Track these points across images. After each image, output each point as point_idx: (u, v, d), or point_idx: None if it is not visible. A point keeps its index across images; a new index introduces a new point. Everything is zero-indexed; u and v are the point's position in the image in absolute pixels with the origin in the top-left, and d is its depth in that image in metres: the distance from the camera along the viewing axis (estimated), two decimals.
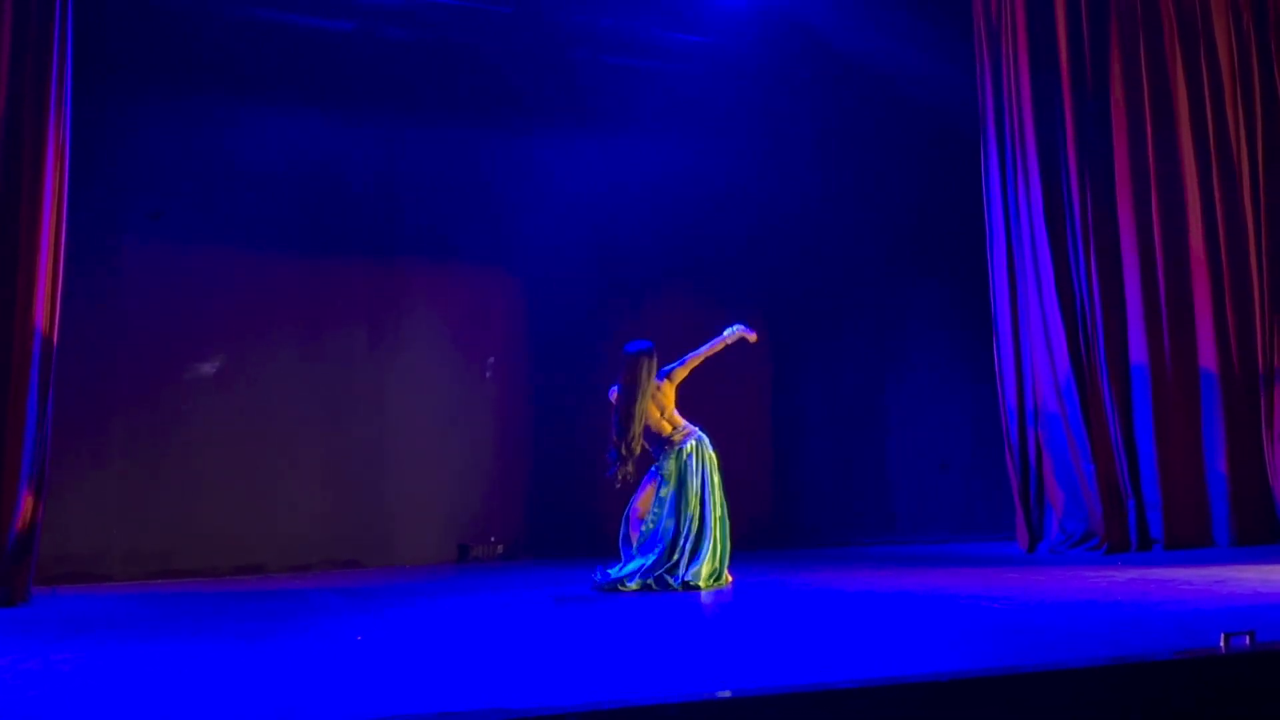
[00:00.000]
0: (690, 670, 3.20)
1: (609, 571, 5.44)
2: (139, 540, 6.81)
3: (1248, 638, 2.84)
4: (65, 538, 6.37)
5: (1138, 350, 7.14)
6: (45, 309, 5.31)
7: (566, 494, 7.80)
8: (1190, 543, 6.92)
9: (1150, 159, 7.25)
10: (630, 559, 5.47)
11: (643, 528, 5.50)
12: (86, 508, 6.66)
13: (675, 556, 5.39)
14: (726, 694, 2.49)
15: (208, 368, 7.14)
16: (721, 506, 5.58)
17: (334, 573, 7.01)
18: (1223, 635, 2.86)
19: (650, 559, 5.39)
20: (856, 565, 6.59)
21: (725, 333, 5.78)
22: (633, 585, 5.35)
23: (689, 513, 5.45)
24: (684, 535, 5.43)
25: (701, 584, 5.35)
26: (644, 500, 5.55)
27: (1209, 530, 7.04)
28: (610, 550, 5.69)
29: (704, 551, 5.42)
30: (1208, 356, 7.18)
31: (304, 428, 7.33)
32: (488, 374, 7.95)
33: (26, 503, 5.17)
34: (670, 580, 5.34)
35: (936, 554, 7.33)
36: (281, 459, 7.25)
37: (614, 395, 5.64)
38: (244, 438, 7.14)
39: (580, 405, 7.89)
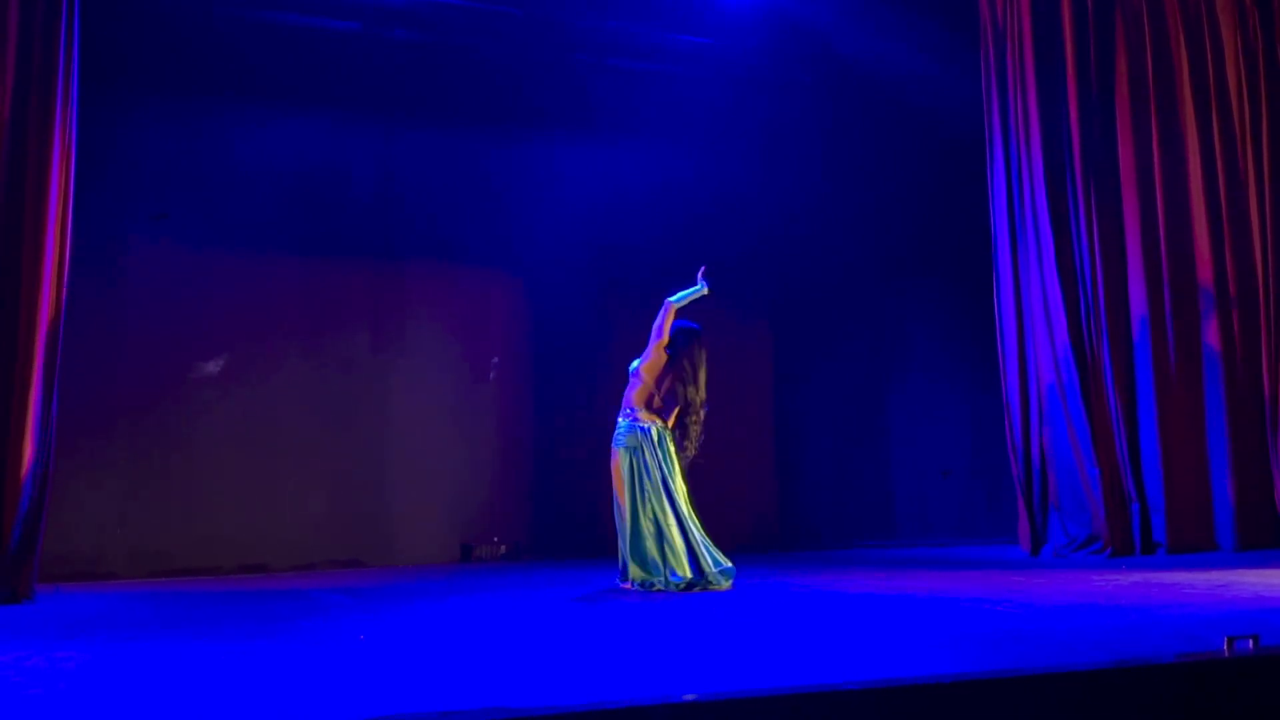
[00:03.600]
0: (693, 670, 3.20)
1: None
2: (142, 539, 6.82)
3: (1251, 642, 2.84)
4: (69, 536, 6.38)
5: (1143, 353, 7.13)
6: (50, 309, 5.32)
7: (569, 495, 7.80)
8: (1194, 547, 6.91)
9: (1155, 157, 7.26)
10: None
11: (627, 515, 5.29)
12: (90, 506, 6.67)
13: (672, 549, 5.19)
14: (728, 694, 2.49)
15: (211, 368, 7.16)
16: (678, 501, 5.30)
17: (337, 572, 7.01)
18: (1226, 639, 2.85)
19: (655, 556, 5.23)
20: (858, 568, 6.58)
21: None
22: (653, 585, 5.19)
23: (663, 499, 5.22)
24: (667, 526, 5.20)
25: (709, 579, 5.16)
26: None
27: (1213, 534, 7.03)
28: (613, 550, 5.68)
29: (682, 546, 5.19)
30: (1213, 360, 7.18)
31: (307, 427, 7.34)
32: (491, 375, 7.96)
33: (31, 501, 5.18)
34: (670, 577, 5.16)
35: (939, 557, 7.32)
36: (285, 459, 7.26)
37: (645, 366, 5.38)
38: (247, 437, 7.15)
39: (583, 406, 7.89)
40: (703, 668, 3.26)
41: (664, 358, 5.41)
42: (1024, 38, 7.30)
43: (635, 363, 5.50)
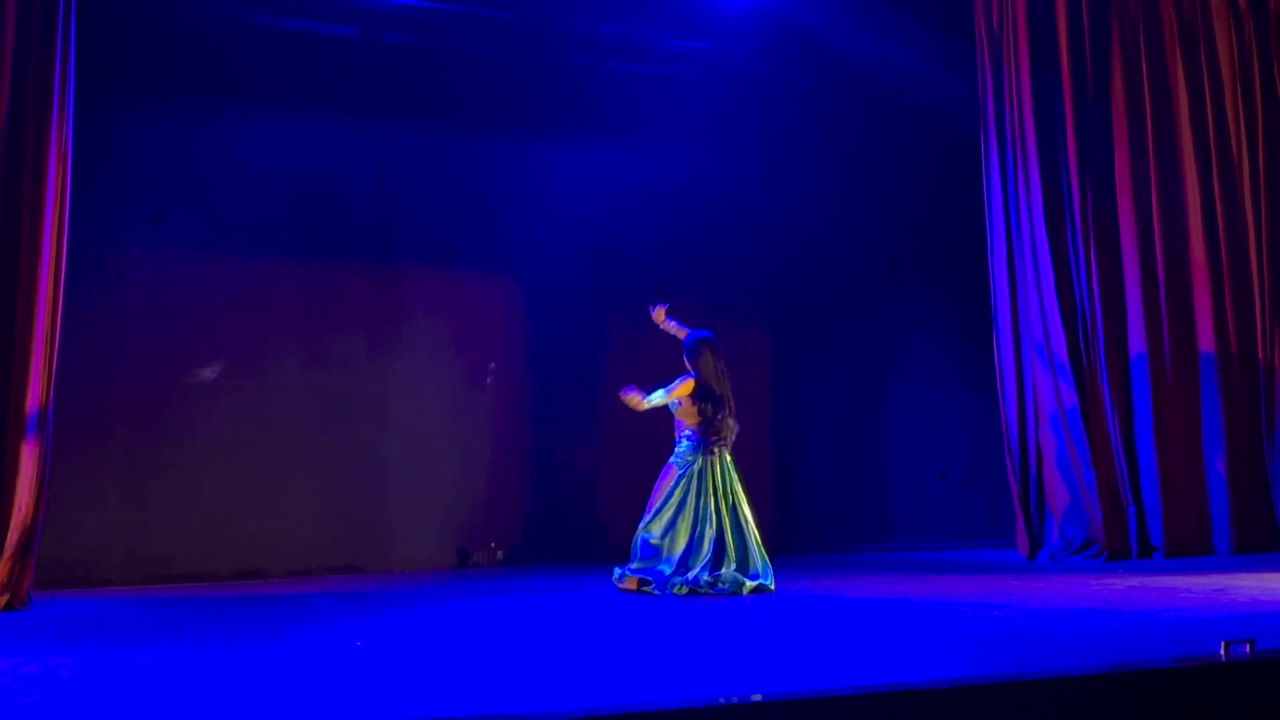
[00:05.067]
0: (691, 676, 3.20)
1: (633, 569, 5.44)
2: (139, 545, 6.80)
3: (1248, 646, 2.84)
4: (65, 542, 6.36)
5: (1139, 356, 7.15)
6: (47, 313, 5.31)
7: (567, 499, 7.80)
8: (1191, 550, 6.92)
9: (1151, 161, 7.27)
10: (656, 559, 5.44)
11: (655, 526, 5.47)
12: (86, 512, 6.65)
13: (708, 557, 5.35)
14: (727, 700, 2.48)
15: (208, 372, 7.15)
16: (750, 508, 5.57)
17: (333, 578, 7.00)
18: (1223, 643, 2.86)
19: (684, 560, 5.38)
20: (857, 571, 6.58)
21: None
22: (680, 589, 5.33)
23: (716, 509, 5.43)
24: (713, 535, 5.39)
25: (737, 586, 5.30)
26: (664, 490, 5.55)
27: (1210, 538, 7.04)
28: (611, 555, 5.69)
29: (727, 553, 5.36)
30: (1209, 362, 7.19)
31: (304, 432, 7.32)
32: (488, 379, 7.95)
33: (27, 506, 5.16)
34: (711, 582, 5.30)
35: (937, 560, 7.33)
36: (281, 464, 7.25)
37: (679, 386, 5.59)
38: (244, 442, 7.14)
39: (581, 410, 7.89)
40: (701, 673, 3.25)
41: (689, 389, 5.59)
42: (1019, 46, 7.31)
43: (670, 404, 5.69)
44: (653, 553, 5.45)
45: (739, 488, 5.56)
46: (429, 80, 7.82)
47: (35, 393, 5.23)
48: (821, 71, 8.68)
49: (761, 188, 8.68)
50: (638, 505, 5.69)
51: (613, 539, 5.69)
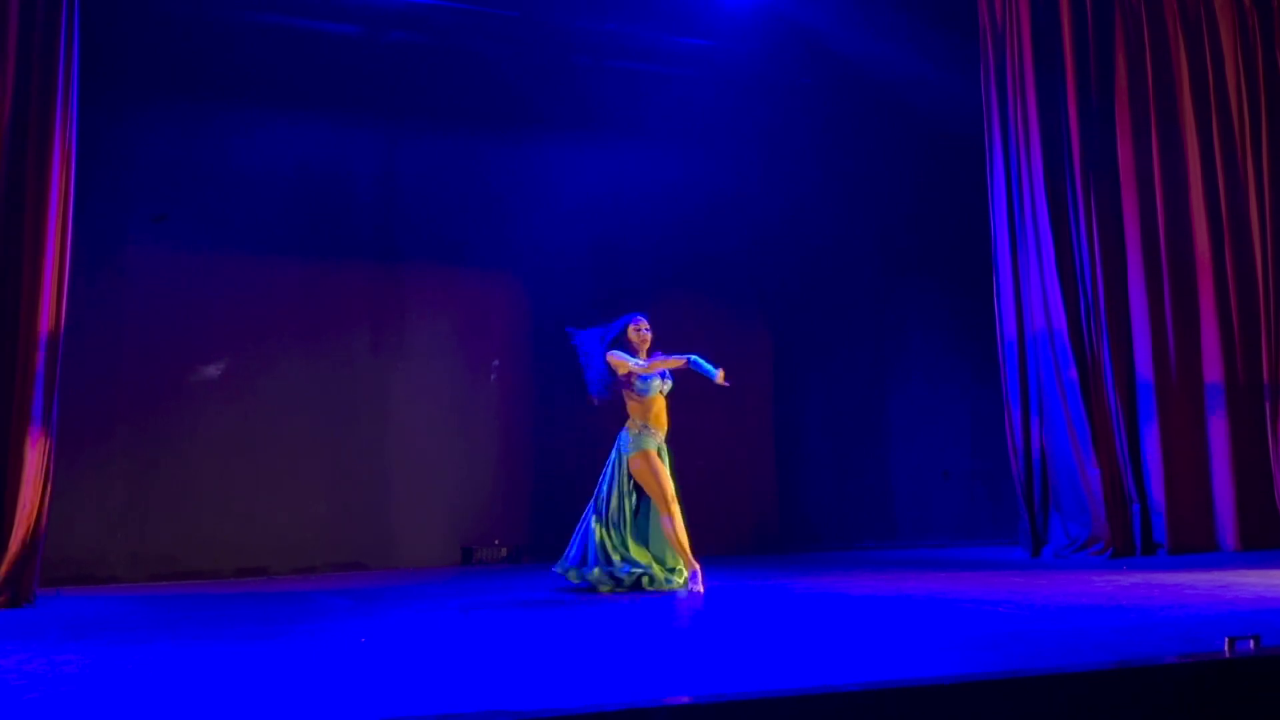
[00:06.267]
0: (694, 672, 3.20)
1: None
2: (143, 542, 6.82)
3: (1252, 642, 2.84)
4: (70, 540, 6.38)
5: (1143, 353, 7.14)
6: (51, 312, 5.33)
7: (570, 497, 7.79)
8: (1194, 547, 6.92)
9: (1155, 158, 7.28)
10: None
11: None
12: (91, 510, 6.67)
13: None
14: (730, 696, 2.49)
15: (212, 371, 7.16)
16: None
17: (338, 575, 7.02)
18: (1227, 640, 2.86)
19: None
20: (859, 569, 6.58)
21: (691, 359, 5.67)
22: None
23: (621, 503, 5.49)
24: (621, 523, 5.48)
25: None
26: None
27: (1213, 535, 7.04)
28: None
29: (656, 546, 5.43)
30: (1212, 359, 7.19)
31: (308, 430, 7.34)
32: (492, 377, 7.96)
33: (31, 504, 5.18)
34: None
35: (939, 558, 7.32)
36: (285, 462, 7.26)
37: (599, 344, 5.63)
38: (248, 440, 7.16)
39: (583, 408, 7.89)
40: (704, 669, 3.26)
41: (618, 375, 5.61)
42: (1023, 41, 7.32)
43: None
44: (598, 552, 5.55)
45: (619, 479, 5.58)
46: (431, 79, 7.83)
47: (40, 391, 5.24)
48: (823, 70, 8.68)
49: (763, 186, 8.68)
50: None
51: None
